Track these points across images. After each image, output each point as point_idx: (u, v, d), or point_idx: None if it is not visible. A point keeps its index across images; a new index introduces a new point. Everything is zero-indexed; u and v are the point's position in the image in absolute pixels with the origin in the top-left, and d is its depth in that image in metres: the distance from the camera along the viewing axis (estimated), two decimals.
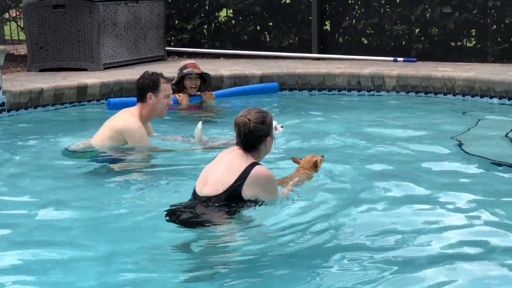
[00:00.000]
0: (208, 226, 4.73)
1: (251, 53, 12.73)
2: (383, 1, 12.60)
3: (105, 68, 11.28)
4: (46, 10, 11.31)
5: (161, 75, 6.87)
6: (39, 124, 8.55)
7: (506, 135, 7.43)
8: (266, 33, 13.46)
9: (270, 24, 13.39)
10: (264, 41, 13.38)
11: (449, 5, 11.90)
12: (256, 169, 4.87)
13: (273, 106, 9.37)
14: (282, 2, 13.24)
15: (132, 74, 10.30)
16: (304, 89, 10.50)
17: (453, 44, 12.13)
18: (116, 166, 6.45)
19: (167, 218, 4.84)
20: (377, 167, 6.20)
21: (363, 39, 12.78)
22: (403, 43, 12.39)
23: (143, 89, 6.78)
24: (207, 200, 4.87)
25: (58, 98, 9.50)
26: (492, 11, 11.71)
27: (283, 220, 4.91)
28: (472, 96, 9.61)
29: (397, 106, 9.49)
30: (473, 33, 12.12)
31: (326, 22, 12.95)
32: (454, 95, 9.77)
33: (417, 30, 12.33)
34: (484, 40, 11.89)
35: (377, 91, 10.24)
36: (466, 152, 6.69)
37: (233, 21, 13.59)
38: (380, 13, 12.55)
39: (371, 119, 8.56)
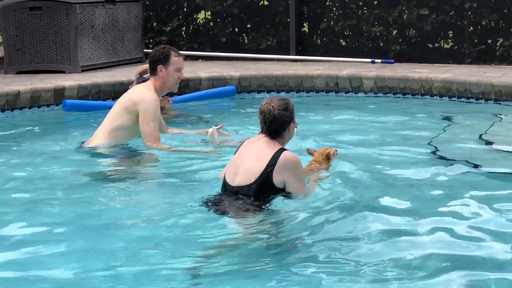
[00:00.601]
0: (242, 217, 4.91)
1: (229, 55, 12.74)
2: (360, 3, 12.64)
3: (82, 71, 11.24)
4: (22, 12, 11.26)
5: (172, 48, 6.95)
6: (16, 127, 8.50)
7: (480, 137, 7.46)
8: (244, 35, 13.47)
9: (248, 26, 13.40)
10: (242, 43, 13.39)
11: (426, 7, 11.97)
12: (284, 154, 5.05)
13: (251, 109, 9.37)
14: (260, 4, 13.25)
15: (110, 76, 10.28)
16: (282, 91, 10.50)
17: (430, 45, 12.18)
18: (123, 163, 6.55)
19: (206, 208, 5.04)
20: (352, 169, 6.17)
21: (341, 40, 12.81)
22: (381, 44, 12.44)
23: (154, 61, 6.87)
24: (240, 190, 5.06)
25: (35, 100, 9.45)
26: (469, 12, 11.78)
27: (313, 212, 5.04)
28: (449, 97, 9.67)
29: (375, 107, 9.52)
30: (450, 35, 12.18)
31: (304, 24, 12.97)
32: (431, 96, 9.82)
33: (394, 32, 12.39)
34: (461, 42, 11.96)
35: (355, 93, 10.27)
36: (441, 155, 6.70)
37: (211, 23, 13.58)
38: (357, 15, 12.59)
39: (348, 120, 8.58)
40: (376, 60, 11.57)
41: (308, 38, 12.94)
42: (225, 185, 5.19)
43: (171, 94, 9.74)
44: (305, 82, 10.49)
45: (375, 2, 12.54)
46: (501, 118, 8.54)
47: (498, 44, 11.76)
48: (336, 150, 5.99)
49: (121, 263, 4.35)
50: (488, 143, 7.18)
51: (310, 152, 6.02)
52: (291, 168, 5.06)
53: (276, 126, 5.13)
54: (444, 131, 7.86)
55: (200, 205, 5.12)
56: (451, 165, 6.31)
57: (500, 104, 9.20)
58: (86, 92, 9.86)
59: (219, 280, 4.13)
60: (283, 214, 4.97)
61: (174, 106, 9.27)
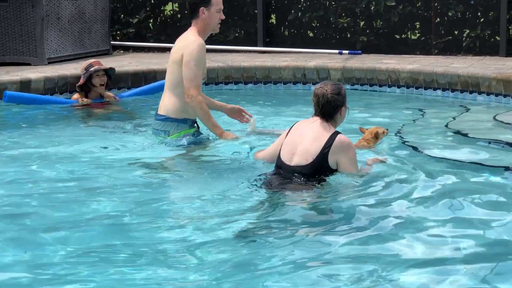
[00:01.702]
0: (299, 193, 5.24)
1: None
2: None
3: (49, 63, 11.16)
4: None
5: None
6: None
7: (446, 126, 7.52)
8: None
9: None
10: (210, 35, 13.31)
11: None
12: (339, 137, 5.36)
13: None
14: None
15: (77, 68, 10.20)
16: (250, 82, 10.51)
17: (397, 36, 12.23)
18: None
19: (263, 186, 5.34)
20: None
21: (308, 32, 12.82)
22: (348, 36, 12.47)
23: (196, 3, 6.76)
24: (296, 169, 5.36)
25: (0, 93, 9.37)
26: (436, 4, 11.83)
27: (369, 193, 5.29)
28: (416, 88, 9.71)
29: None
30: (417, 26, 12.23)
31: (272, 16, 12.97)
32: (398, 87, 9.87)
33: (362, 23, 12.42)
34: (428, 33, 12.01)
35: None
36: (409, 145, 6.72)
37: (179, 15, 13.54)
38: (325, 6, 12.61)
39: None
40: (344, 51, 11.60)
41: (276, 30, 12.94)
42: (280, 165, 5.47)
43: (120, 88, 9.76)
44: (272, 74, 10.49)
45: None
46: (467, 108, 8.61)
47: (465, 35, 11.83)
48: (387, 129, 6.45)
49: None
50: (455, 132, 7.23)
51: (362, 130, 6.49)
52: (345, 150, 5.36)
53: (329, 108, 5.42)
54: (413, 121, 7.91)
55: (258, 186, 5.38)
56: (417, 154, 6.35)
57: (467, 94, 9.27)
58: (53, 85, 9.79)
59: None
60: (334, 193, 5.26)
61: (121, 103, 9.16)
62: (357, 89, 10.07)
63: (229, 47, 12.51)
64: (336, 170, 5.38)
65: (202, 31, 6.80)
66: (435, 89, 9.59)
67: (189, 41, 6.70)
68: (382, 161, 5.92)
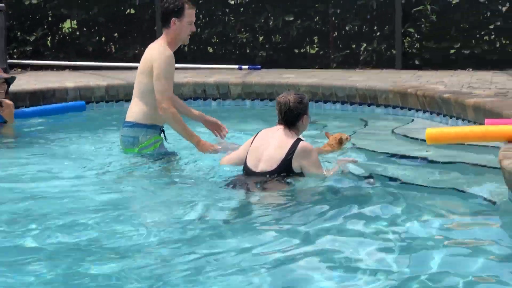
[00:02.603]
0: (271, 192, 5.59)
1: (97, 64, 12.57)
2: (227, 10, 12.75)
3: None
4: None
5: (186, 0, 6.70)
6: None
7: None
8: (111, 43, 13.35)
9: (115, 34, 13.28)
10: (110, 52, 13.26)
11: (292, 13, 12.17)
12: (301, 144, 5.73)
13: (118, 117, 9.27)
14: (127, 12, 13.17)
15: None
16: None
17: (296, 51, 12.39)
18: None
19: (234, 187, 5.66)
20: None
21: (208, 48, 12.87)
22: (248, 51, 12.57)
23: (168, 13, 6.66)
24: (264, 175, 5.70)
25: None
26: (333, 18, 12.03)
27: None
28: (316, 101, 9.83)
29: (242, 113, 9.59)
30: (316, 40, 12.41)
31: None
32: None
33: (261, 38, 12.54)
34: (326, 47, 12.20)
35: (223, 99, 10.32)
36: None
37: (77, 32, 13.40)
38: (224, 22, 12.69)
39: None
40: (243, 67, 11.67)
41: None
42: (247, 171, 5.80)
43: (58, 100, 9.52)
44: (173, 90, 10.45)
45: (241, 9, 12.67)
46: (366, 121, 8.77)
47: (362, 49, 12.06)
48: (350, 136, 6.83)
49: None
50: (355, 145, 7.34)
51: (327, 135, 6.88)
52: (307, 156, 5.73)
53: (291, 116, 5.78)
54: (323, 131, 7.99)
55: (224, 187, 5.70)
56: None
57: (365, 106, 9.44)
58: None
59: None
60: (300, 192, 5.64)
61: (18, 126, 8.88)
62: (257, 104, 10.14)
63: (129, 64, 12.42)
64: (301, 174, 5.74)
65: (172, 42, 6.72)
66: (334, 102, 9.73)
67: (157, 52, 6.62)
68: (353, 161, 6.33)
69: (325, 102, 9.81)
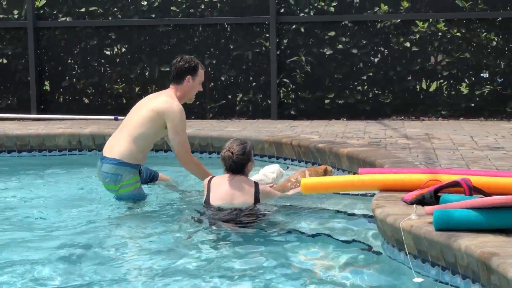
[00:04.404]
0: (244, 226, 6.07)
1: None
2: (102, 61, 12.65)
3: None
4: None
5: (198, 61, 7.23)
6: None
7: None
8: None
9: None
10: None
11: (167, 64, 12.16)
12: (261, 187, 6.40)
13: None
14: None
15: None
16: (24, 151, 10.19)
17: None
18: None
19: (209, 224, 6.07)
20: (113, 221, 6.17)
21: (84, 98, 12.71)
22: (124, 101, 12.47)
23: (183, 71, 7.05)
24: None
25: None
26: (209, 69, 12.08)
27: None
28: (193, 152, 9.76)
29: None
30: None
31: (46, 82, 12.75)
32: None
33: (137, 89, 12.48)
34: (203, 98, 12.23)
35: (99, 150, 10.13)
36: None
37: None
38: (100, 73, 12.59)
39: (95, 178, 8.46)
40: (119, 117, 11.53)
41: (50, 97, 12.72)
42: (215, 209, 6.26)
43: None
44: (47, 141, 10.25)
45: (117, 60, 12.60)
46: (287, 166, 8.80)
47: (238, 99, 12.15)
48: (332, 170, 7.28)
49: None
50: None
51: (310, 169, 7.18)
52: (269, 195, 6.46)
53: (237, 167, 6.32)
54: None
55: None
56: None
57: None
58: None
59: None
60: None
61: None
62: None
63: (1, 115, 12.13)
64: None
65: (181, 98, 7.09)
66: (210, 152, 9.73)
67: (169, 105, 6.94)
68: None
69: (201, 152, 9.79)
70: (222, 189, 6.32)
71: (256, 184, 6.39)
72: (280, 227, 6.06)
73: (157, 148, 9.55)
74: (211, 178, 6.45)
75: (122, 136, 7.04)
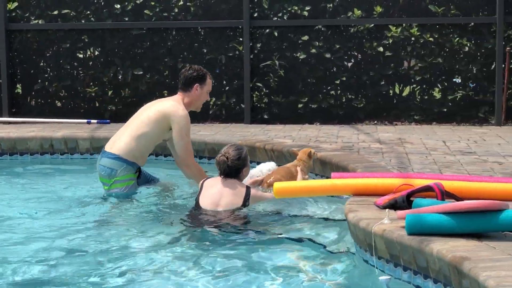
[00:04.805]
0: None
1: None
2: (75, 64, 12.59)
3: None
4: None
5: (207, 71, 7.46)
6: None
7: None
8: None
9: None
10: None
11: (141, 67, 12.14)
12: (252, 191, 6.42)
13: None
14: None
15: None
16: None
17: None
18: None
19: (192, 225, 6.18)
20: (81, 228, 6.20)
21: (56, 101, 12.64)
22: (97, 105, 12.42)
23: (192, 79, 7.25)
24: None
25: None
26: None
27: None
28: (165, 156, 9.75)
29: (90, 168, 9.40)
30: (165, 94, 12.36)
31: (18, 85, 12.67)
32: (156, 156, 9.84)
33: (110, 92, 12.42)
34: None
35: (71, 154, 10.11)
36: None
37: None
38: (73, 76, 12.52)
39: (67, 182, 8.42)
40: (92, 121, 11.48)
41: (22, 100, 12.64)
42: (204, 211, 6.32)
43: None
44: (18, 145, 10.17)
45: (90, 63, 12.54)
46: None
47: (211, 103, 12.12)
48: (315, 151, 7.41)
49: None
50: None
51: (294, 152, 7.46)
52: (260, 199, 6.49)
53: (231, 172, 6.40)
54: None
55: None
56: None
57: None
58: None
59: None
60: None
61: None
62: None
63: None
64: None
65: (188, 105, 7.25)
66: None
67: (177, 109, 7.13)
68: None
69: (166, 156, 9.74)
70: (213, 190, 6.41)
71: (247, 187, 6.46)
72: (264, 231, 6.07)
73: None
74: (205, 179, 6.57)
75: (124, 134, 7.26)
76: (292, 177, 7.03)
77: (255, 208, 6.51)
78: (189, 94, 7.28)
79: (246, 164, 6.49)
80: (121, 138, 7.24)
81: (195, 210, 6.41)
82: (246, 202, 6.37)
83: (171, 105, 7.19)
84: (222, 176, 6.45)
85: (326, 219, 6.44)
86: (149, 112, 7.24)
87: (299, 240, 5.83)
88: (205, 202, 6.39)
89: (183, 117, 7.12)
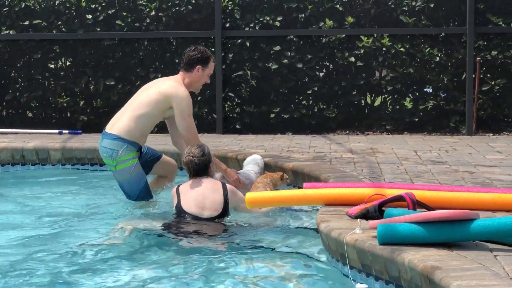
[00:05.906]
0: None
1: None
2: (47, 74, 12.54)
3: None
4: None
5: (211, 54, 7.40)
6: None
7: None
8: None
9: None
10: None
11: (112, 77, 12.12)
12: (228, 186, 6.57)
13: None
14: None
15: None
16: None
17: None
18: None
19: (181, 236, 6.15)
20: (47, 240, 6.15)
21: (27, 112, 12.58)
22: (68, 115, 12.38)
23: (194, 60, 7.22)
24: (212, 219, 6.41)
25: None
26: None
27: None
28: None
29: (62, 179, 9.37)
30: None
31: None
32: None
33: (82, 102, 12.38)
34: None
35: (42, 165, 10.06)
36: None
37: None
38: (44, 86, 12.48)
39: (38, 193, 8.37)
40: (64, 131, 11.44)
41: None
42: (190, 216, 6.39)
43: None
44: None
45: (61, 73, 12.50)
46: None
47: None
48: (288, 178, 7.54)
49: None
50: None
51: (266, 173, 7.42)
52: (236, 193, 6.57)
53: (200, 170, 6.55)
54: None
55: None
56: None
57: None
58: None
59: None
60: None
61: None
62: (78, 169, 9.93)
63: None
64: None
65: (188, 85, 7.24)
66: None
67: (178, 90, 7.12)
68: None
69: None
70: (193, 193, 6.46)
71: (222, 183, 6.60)
72: (242, 240, 6.09)
73: None
74: (178, 186, 6.60)
75: (124, 114, 7.27)
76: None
77: (236, 219, 6.55)
78: (190, 74, 7.26)
79: (211, 159, 6.64)
80: (121, 119, 7.25)
81: (178, 218, 6.46)
82: (226, 196, 6.44)
83: (171, 86, 7.17)
84: (193, 177, 6.56)
85: (304, 228, 6.44)
86: (149, 92, 7.23)
87: (273, 250, 5.84)
88: (189, 205, 6.42)
89: (184, 99, 7.10)
